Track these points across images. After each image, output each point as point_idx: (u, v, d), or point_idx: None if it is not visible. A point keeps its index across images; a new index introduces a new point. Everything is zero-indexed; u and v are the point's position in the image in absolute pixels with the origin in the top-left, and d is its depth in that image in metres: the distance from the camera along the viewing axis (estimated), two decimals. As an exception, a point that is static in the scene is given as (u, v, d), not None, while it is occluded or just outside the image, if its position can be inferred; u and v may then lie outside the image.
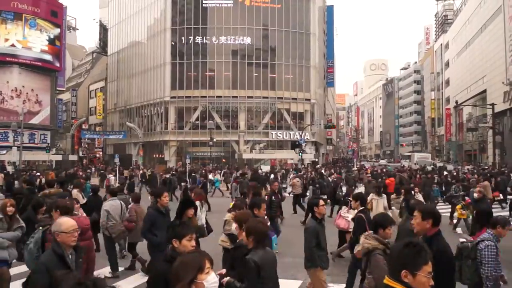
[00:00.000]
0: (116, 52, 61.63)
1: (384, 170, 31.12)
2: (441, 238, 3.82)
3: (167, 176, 23.72)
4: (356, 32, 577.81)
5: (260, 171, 30.62)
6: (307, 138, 48.03)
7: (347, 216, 8.79)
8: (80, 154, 51.82)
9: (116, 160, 29.68)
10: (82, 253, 4.24)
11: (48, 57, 47.63)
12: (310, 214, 6.11)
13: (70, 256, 3.77)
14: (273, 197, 10.93)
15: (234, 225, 4.94)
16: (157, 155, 53.41)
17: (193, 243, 3.46)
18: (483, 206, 8.88)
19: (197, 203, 7.18)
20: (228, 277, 3.75)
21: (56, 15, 48.80)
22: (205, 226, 7.16)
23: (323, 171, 28.91)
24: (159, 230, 6.34)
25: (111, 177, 23.74)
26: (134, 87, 56.74)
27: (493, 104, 42.24)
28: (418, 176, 22.59)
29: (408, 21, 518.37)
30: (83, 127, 56.26)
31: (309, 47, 52.70)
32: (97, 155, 60.89)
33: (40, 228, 5.15)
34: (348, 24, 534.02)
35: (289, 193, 20.56)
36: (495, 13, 50.64)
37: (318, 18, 57.22)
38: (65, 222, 3.84)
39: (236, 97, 49.36)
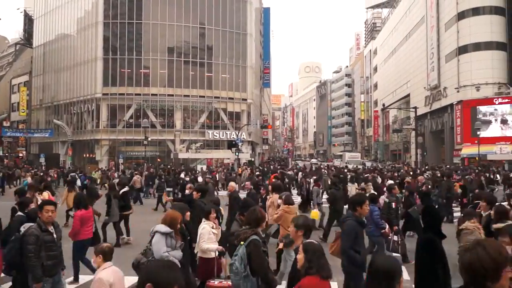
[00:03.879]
0: (43, 44, 57.88)
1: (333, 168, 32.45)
2: None
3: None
4: (292, 35, 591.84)
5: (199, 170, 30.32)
6: (243, 138, 48.39)
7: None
8: (1, 153, 48.05)
9: (42, 159, 28.01)
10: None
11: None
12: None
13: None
14: None
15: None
16: (87, 155, 50.94)
17: None
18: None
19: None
20: None
21: (-27, 2, 44.84)
22: None
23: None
24: (361, 246, 5.24)
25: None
26: (62, 82, 53.57)
27: (415, 108, 45.27)
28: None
29: (341, 26, 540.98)
30: (4, 124, 52.22)
31: (246, 47, 53.14)
32: (20, 155, 56.85)
33: (242, 243, 4.44)
34: (284, 27, 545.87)
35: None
36: (419, 23, 54.38)
37: (255, 19, 57.85)
38: None
39: (172, 95, 48.49)
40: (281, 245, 7.24)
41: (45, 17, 57.15)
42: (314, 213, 11.82)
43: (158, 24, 48.33)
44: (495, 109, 40.35)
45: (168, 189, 19.89)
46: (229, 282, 5.61)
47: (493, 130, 39.92)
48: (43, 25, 57.78)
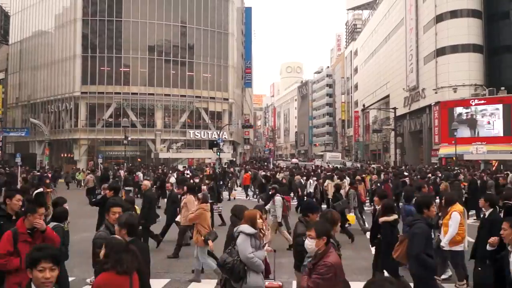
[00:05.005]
0: (19, 41, 56.51)
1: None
2: None
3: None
4: (274, 35, 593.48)
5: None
6: (225, 138, 48.27)
7: None
8: (-26, 152, 46.71)
9: (18, 159, 27.26)
10: None
11: None
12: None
13: None
14: None
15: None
16: (65, 155, 50.01)
17: None
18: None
19: None
20: None
21: None
22: None
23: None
24: (432, 249, 5.12)
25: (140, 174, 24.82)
26: (39, 80, 52.38)
27: (395, 108, 45.94)
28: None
29: (322, 27, 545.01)
30: (-22, 122, 50.69)
31: (227, 46, 53.00)
32: (-5, 154, 55.30)
33: None
34: (266, 27, 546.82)
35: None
36: (398, 25, 55.19)
37: (237, 19, 57.76)
38: None
39: (153, 94, 47.98)
40: (211, 244, 7.30)
41: (22, 13, 55.85)
42: (351, 217, 12.09)
43: (139, 22, 47.75)
44: (471, 110, 41.22)
45: (127, 188, 19.69)
46: (279, 283, 5.71)
47: (469, 131, 40.82)
48: (19, 21, 56.44)
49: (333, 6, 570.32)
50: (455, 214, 6.53)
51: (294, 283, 6.33)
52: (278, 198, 10.26)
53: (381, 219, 6.37)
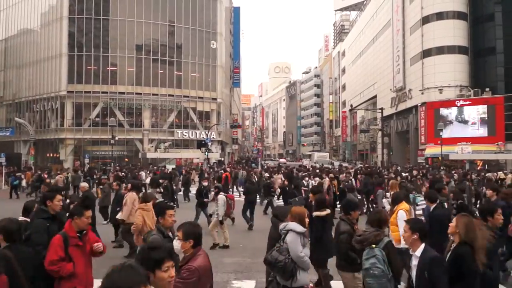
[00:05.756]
0: (4, 39, 55.64)
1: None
2: None
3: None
4: (262, 35, 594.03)
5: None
6: (213, 138, 48.16)
7: None
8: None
9: (2, 159, 26.87)
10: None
11: None
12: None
13: None
14: None
15: None
16: (51, 154, 49.35)
17: None
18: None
19: None
20: None
21: None
22: None
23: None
24: (494, 261, 4.46)
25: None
26: (24, 78, 51.59)
27: (382, 109, 46.34)
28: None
29: (310, 28, 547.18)
30: (-39, 121, 49.82)
31: (216, 46, 52.87)
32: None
33: (374, 246, 4.30)
34: (254, 27, 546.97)
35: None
36: (385, 26, 55.70)
37: (225, 19, 57.68)
38: None
39: (140, 94, 47.64)
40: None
41: (7, 11, 54.98)
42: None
43: (126, 21, 47.36)
44: (456, 111, 41.81)
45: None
46: (311, 284, 5.62)
47: (455, 131, 41.38)
48: (4, 19, 55.59)
49: (321, 7, 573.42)
50: (401, 212, 6.62)
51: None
52: (221, 197, 10.28)
53: (314, 214, 6.52)
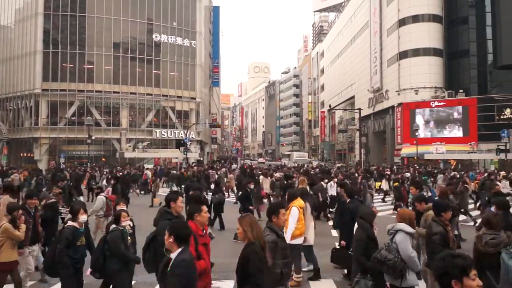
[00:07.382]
0: (-25, 35, 53.88)
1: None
2: None
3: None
4: (242, 35, 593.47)
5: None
6: (192, 137, 47.89)
7: None
8: None
9: (-27, 158, 26.07)
10: None
11: None
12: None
13: None
14: None
15: None
16: (25, 154, 48.14)
17: None
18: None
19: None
20: None
21: None
22: None
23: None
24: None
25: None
26: (-3, 76, 50.19)
27: (359, 109, 46.88)
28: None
29: (289, 28, 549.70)
30: None
31: (195, 45, 52.58)
32: None
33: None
34: (234, 27, 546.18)
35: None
36: (363, 28, 56.44)
37: (204, 17, 57.39)
38: None
39: (118, 92, 46.97)
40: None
41: (-22, 6, 53.25)
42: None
43: (104, 18, 46.60)
44: (431, 112, 42.79)
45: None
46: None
47: (430, 131, 42.36)
48: (-25, 14, 53.78)
49: (300, 7, 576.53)
50: (294, 209, 6.73)
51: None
52: (100, 198, 10.05)
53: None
